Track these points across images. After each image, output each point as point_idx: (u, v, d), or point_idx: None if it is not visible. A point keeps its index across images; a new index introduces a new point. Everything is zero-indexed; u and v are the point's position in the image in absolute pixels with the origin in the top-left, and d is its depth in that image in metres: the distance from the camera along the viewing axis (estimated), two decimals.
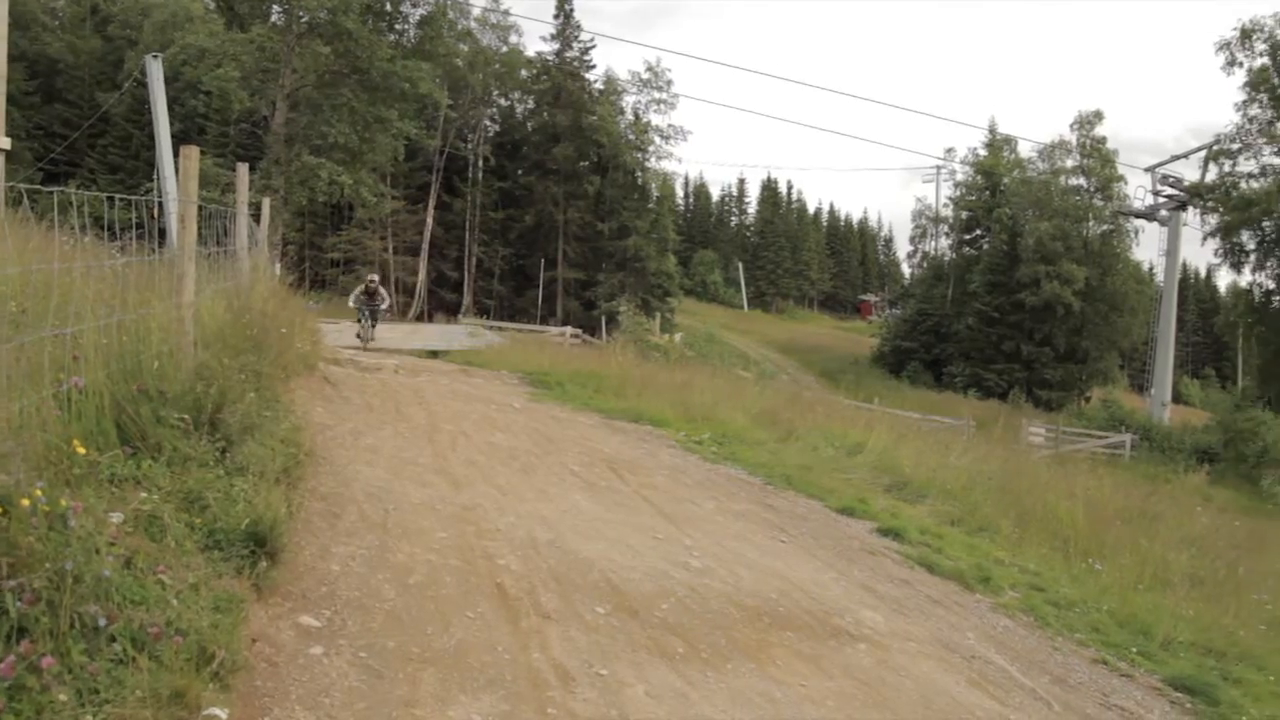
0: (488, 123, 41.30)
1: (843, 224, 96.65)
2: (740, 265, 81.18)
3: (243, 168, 9.64)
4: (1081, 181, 48.69)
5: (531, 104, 42.54)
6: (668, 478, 8.70)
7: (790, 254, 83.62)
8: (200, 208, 5.91)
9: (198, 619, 3.13)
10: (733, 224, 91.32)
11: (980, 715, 4.82)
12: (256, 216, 11.35)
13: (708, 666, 4.44)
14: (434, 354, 18.83)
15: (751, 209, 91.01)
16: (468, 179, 39.37)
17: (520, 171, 41.18)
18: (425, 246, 38.04)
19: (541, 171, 39.66)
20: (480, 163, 39.69)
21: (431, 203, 38.01)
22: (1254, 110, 37.66)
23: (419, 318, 36.66)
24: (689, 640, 4.68)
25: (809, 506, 8.94)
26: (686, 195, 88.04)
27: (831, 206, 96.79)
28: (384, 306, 18.95)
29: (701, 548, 6.39)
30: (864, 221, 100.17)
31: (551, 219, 39.34)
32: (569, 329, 30.47)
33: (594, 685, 3.93)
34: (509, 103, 43.00)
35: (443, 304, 38.46)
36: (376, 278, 19.65)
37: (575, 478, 7.84)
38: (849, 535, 8.11)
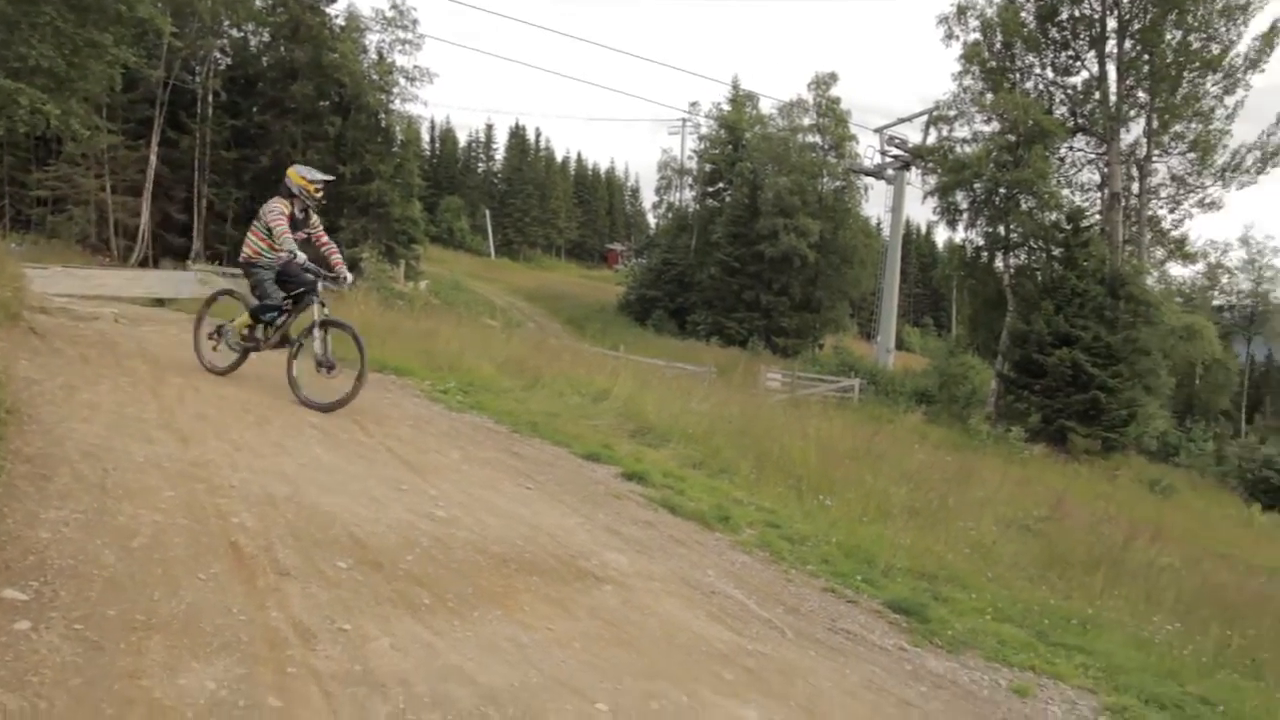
0: (218, 55, 38.48)
1: (590, 173, 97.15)
2: (487, 213, 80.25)
3: None
4: (817, 139, 50.99)
5: (267, 37, 40.05)
6: (412, 428, 8.54)
7: (538, 202, 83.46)
8: None
9: None
10: (480, 171, 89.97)
11: (720, 646, 5.02)
12: None
13: (454, 616, 4.40)
14: (160, 302, 17.63)
15: (499, 156, 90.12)
16: (196, 115, 36.57)
17: (255, 109, 38.70)
18: (149, 186, 35.11)
19: (279, 110, 37.47)
20: (210, 98, 36.91)
21: (155, 139, 35.06)
22: (968, 81, 40.54)
23: (143, 263, 33.99)
24: (435, 591, 4.63)
25: (555, 453, 9.02)
26: (433, 140, 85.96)
27: (579, 156, 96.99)
28: None
29: (447, 497, 6.32)
30: (611, 171, 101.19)
31: (290, 161, 37.19)
32: None
33: (336, 641, 3.81)
34: (242, 34, 40.25)
35: (170, 249, 35.73)
36: None
37: (315, 430, 7.55)
38: (594, 480, 8.24)
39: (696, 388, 15.67)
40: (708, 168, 56.99)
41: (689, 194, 61.29)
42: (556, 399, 11.59)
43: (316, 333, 8.59)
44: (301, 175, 8.99)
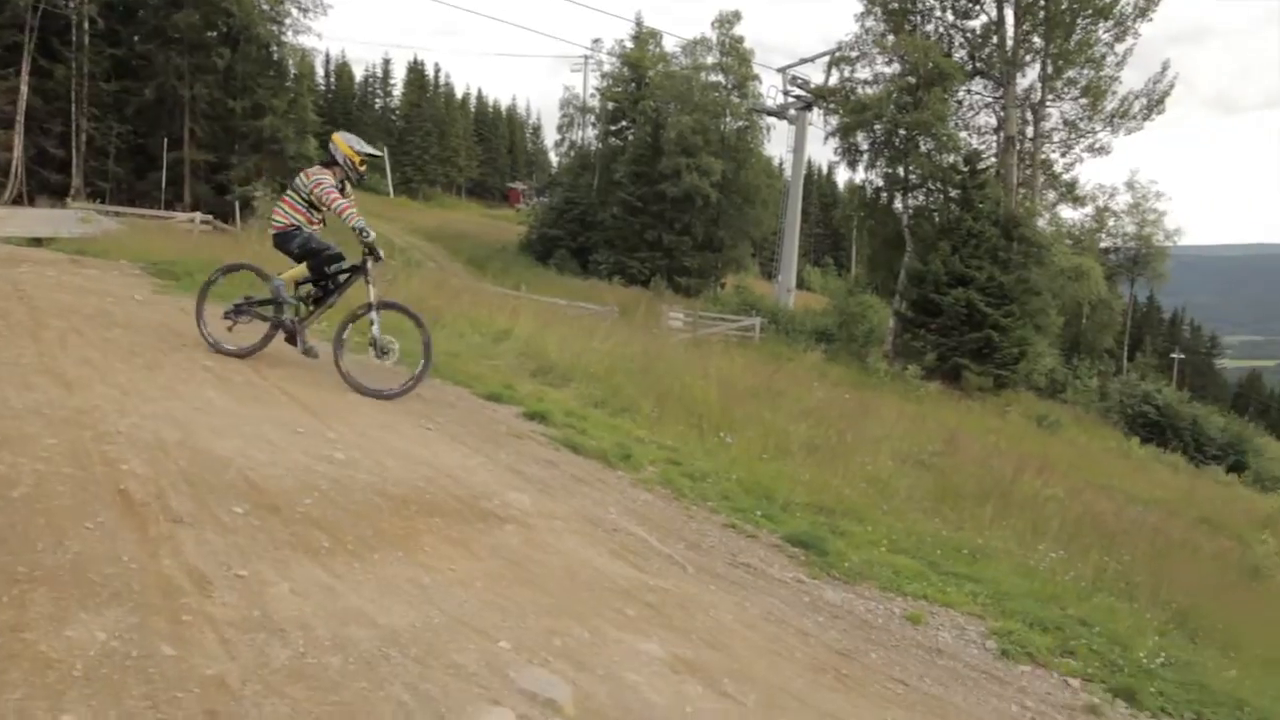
0: None
1: (491, 111, 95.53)
2: (385, 150, 78.36)
3: None
4: (720, 79, 50.86)
5: None
6: (309, 370, 8.37)
7: (438, 140, 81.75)
8: None
9: None
10: (377, 107, 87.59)
11: (622, 583, 5.07)
12: None
13: (355, 558, 4.36)
14: (37, 242, 16.88)
15: (397, 92, 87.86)
16: (71, 43, 34.63)
17: (138, 39, 36.77)
18: (20, 119, 33.25)
19: (162, 40, 35.66)
20: (86, 25, 34.99)
21: (25, 68, 33.11)
22: (870, 22, 40.71)
23: (16, 200, 32.38)
24: (334, 534, 4.57)
25: (456, 394, 8.96)
26: (327, 75, 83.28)
27: (480, 93, 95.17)
28: None
29: (346, 440, 6.23)
30: (513, 109, 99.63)
31: (175, 94, 35.76)
32: (199, 215, 28.26)
33: (233, 588, 3.74)
34: None
35: (47, 186, 34.02)
36: None
37: (207, 373, 7.35)
38: (496, 420, 8.22)
39: (599, 327, 15.68)
40: (610, 106, 56.46)
41: (591, 132, 60.75)
42: (457, 339, 11.48)
43: (374, 315, 8.03)
44: (349, 144, 8.24)
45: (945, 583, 6.72)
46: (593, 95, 60.71)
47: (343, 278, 8.22)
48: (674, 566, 5.70)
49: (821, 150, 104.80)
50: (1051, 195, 42.79)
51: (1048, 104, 40.01)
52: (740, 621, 5.11)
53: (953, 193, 38.52)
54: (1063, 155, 41.72)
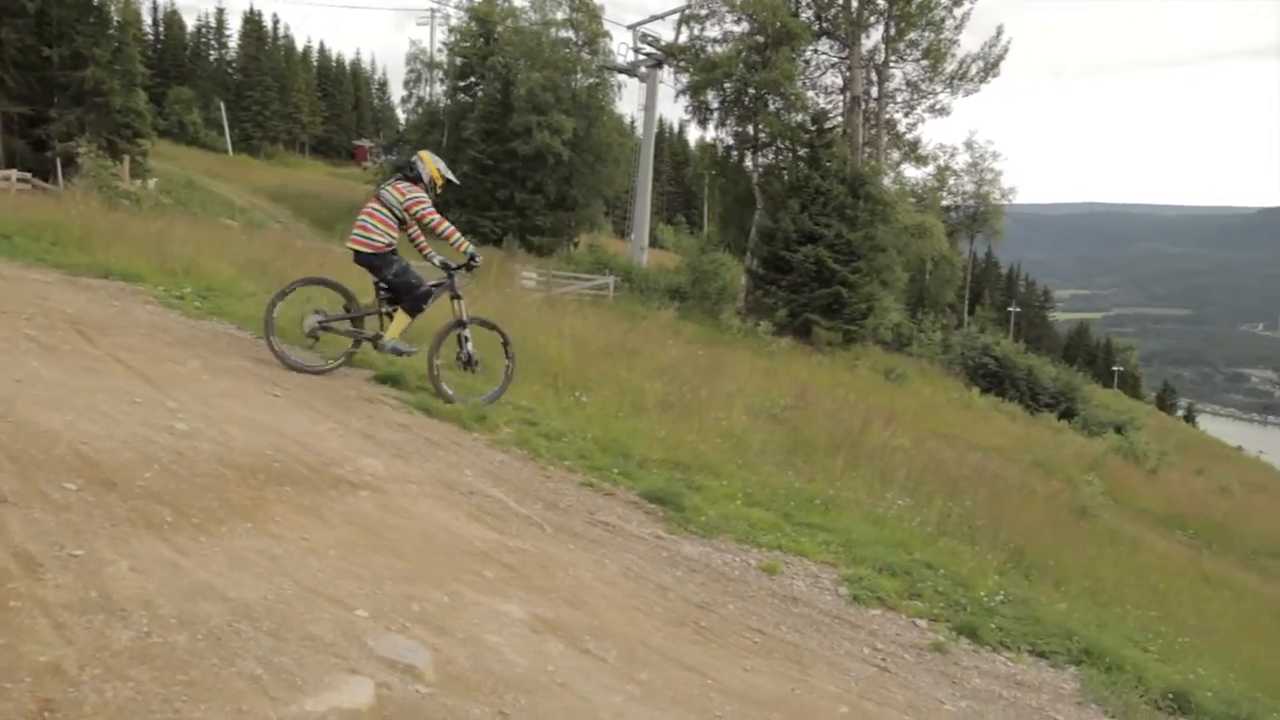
0: None
1: (335, 65, 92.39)
2: (223, 105, 74.94)
3: None
4: (571, 35, 50.35)
5: None
6: (145, 337, 7.97)
7: (278, 95, 78.36)
8: None
9: None
10: (212, 59, 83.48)
11: (480, 545, 5.03)
12: None
13: (200, 532, 4.19)
14: None
15: (233, 43, 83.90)
16: None
17: None
18: None
19: None
20: None
21: None
22: None
23: None
24: (178, 507, 4.38)
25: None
26: (156, 23, 78.88)
27: (322, 46, 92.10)
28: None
29: (188, 409, 5.96)
30: (357, 63, 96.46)
31: None
32: (14, 173, 26.55)
33: (68, 568, 3.54)
34: None
35: None
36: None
37: (32, 343, 6.91)
38: (347, 385, 8.01)
39: None
40: (458, 61, 55.19)
41: (440, 89, 59.29)
42: (303, 303, 11.12)
43: (466, 333, 8.25)
44: (437, 165, 8.22)
45: (799, 533, 6.91)
46: (440, 50, 59.29)
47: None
48: (532, 527, 5.69)
49: (673, 108, 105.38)
50: (895, 154, 44.21)
51: (891, 65, 41.19)
52: (599, 579, 5.14)
53: (801, 151, 39.30)
54: (906, 115, 43.18)
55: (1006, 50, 41.55)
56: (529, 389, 9.52)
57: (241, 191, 47.91)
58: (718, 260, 41.45)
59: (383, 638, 3.62)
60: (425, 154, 8.33)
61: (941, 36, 40.47)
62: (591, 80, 50.32)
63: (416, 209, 7.94)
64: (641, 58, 47.55)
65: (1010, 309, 77.82)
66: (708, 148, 46.03)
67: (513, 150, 46.52)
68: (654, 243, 56.27)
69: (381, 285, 8.10)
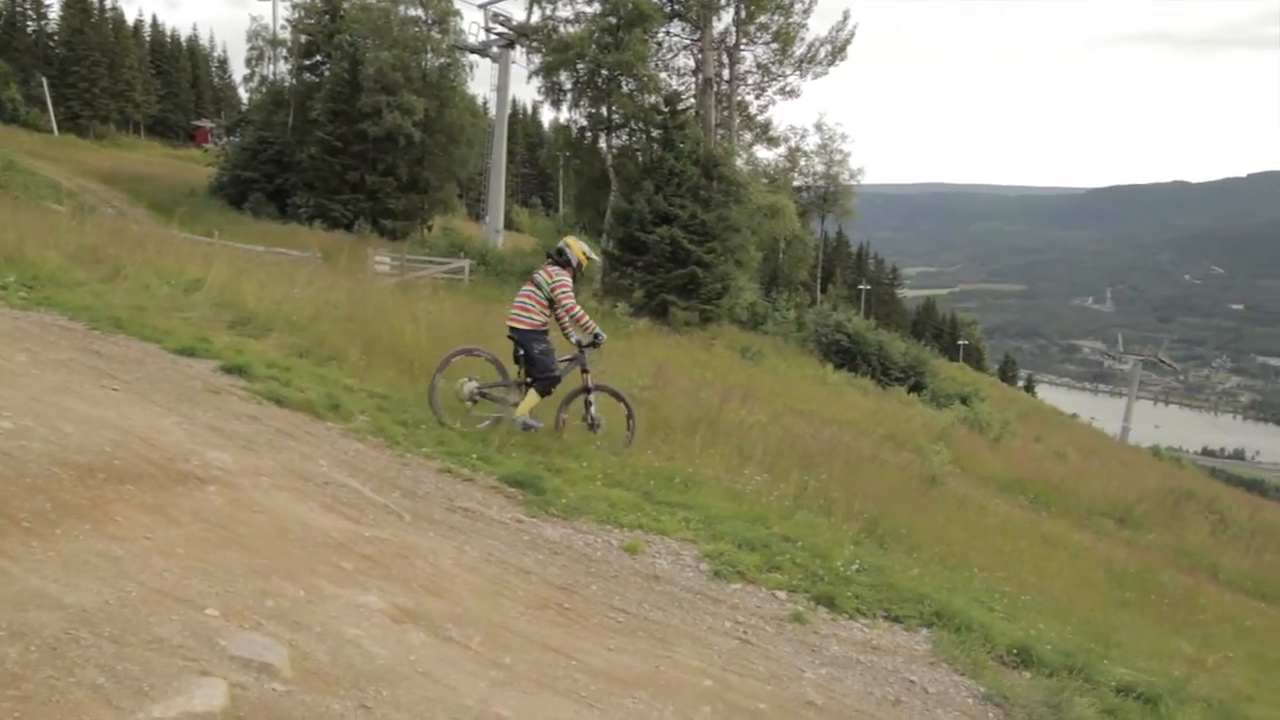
0: None
1: (169, 41, 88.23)
2: (45, 81, 70.59)
3: None
4: (420, 13, 49.31)
5: None
6: None
7: (108, 71, 74.12)
8: None
9: None
10: (30, 31, 78.51)
11: (337, 536, 4.92)
12: None
13: (32, 536, 3.96)
14: None
15: (54, 15, 78.93)
16: None
17: None
18: None
19: None
20: None
21: None
22: None
23: None
24: (5, 511, 4.13)
25: (144, 350, 8.32)
26: None
27: (155, 20, 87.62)
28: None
29: (15, 405, 5.62)
30: (194, 40, 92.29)
31: None
32: None
33: None
34: None
35: None
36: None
37: None
38: (191, 376, 7.71)
39: (300, 273, 14.99)
40: (303, 39, 53.44)
41: (284, 67, 57.28)
42: (142, 291, 10.66)
43: (591, 398, 8.85)
44: (582, 248, 8.87)
45: (659, 511, 6.96)
46: (284, 27, 57.21)
47: (561, 369, 8.69)
48: (390, 516, 5.59)
49: (526, 89, 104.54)
50: (748, 136, 44.91)
51: (742, 48, 41.74)
52: (461, 565, 5.08)
53: (655, 133, 39.46)
54: (757, 97, 43.86)
55: (853, 35, 42.65)
56: (384, 376, 9.36)
57: (69, 173, 45.32)
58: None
59: (236, 636, 3.50)
60: (571, 239, 8.92)
61: (790, 20, 41.21)
62: (443, 60, 49.43)
63: (558, 292, 8.52)
64: (493, 37, 46.88)
65: (861, 286, 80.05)
66: (561, 129, 45.79)
67: (362, 131, 45.37)
68: (509, 225, 55.78)
69: (522, 357, 8.58)
